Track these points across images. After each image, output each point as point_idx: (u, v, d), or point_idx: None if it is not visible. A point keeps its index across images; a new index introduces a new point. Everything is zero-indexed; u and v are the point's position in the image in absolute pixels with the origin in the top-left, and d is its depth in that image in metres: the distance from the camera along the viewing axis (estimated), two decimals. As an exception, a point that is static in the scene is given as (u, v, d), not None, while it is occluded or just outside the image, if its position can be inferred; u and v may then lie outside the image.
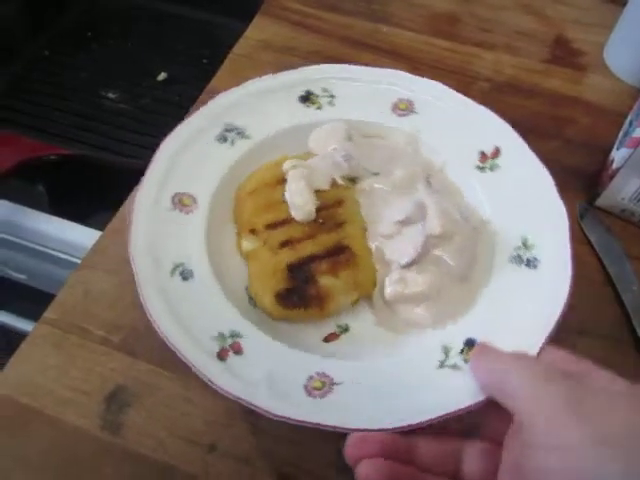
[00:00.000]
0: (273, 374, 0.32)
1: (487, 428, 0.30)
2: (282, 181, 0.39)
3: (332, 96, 0.45)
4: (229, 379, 0.31)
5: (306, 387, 0.32)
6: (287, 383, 0.32)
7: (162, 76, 0.68)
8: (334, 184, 0.40)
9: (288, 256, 0.36)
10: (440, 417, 0.30)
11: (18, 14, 0.71)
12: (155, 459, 0.33)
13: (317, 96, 0.45)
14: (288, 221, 0.38)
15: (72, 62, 0.70)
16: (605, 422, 0.23)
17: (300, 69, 0.46)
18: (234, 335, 0.34)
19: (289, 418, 0.30)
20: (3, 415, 0.35)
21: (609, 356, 0.37)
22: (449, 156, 0.42)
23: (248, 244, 0.38)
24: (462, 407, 0.30)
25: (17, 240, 0.57)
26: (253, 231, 0.38)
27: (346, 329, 0.37)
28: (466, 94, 0.44)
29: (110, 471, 0.33)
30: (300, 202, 0.37)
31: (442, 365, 0.33)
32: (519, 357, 0.28)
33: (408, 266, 0.37)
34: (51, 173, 0.61)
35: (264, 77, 0.45)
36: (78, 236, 0.55)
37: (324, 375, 0.33)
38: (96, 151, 0.61)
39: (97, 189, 0.59)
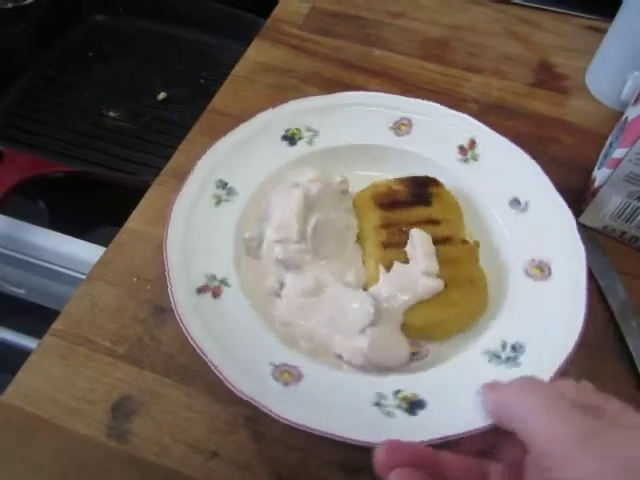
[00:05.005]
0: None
1: (505, 450, 0.30)
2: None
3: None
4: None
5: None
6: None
7: (162, 95, 0.70)
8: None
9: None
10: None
11: (22, 34, 0.72)
12: (160, 465, 0.35)
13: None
14: None
15: (74, 82, 0.71)
16: (628, 455, 0.23)
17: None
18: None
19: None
20: (13, 424, 0.36)
21: (595, 365, 0.39)
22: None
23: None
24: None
25: (16, 255, 0.58)
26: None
27: None
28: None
29: (117, 476, 0.34)
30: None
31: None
32: (528, 383, 0.28)
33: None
34: (52, 190, 0.62)
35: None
36: (77, 251, 0.55)
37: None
38: (97, 168, 0.62)
39: (97, 206, 0.61)
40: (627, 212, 0.44)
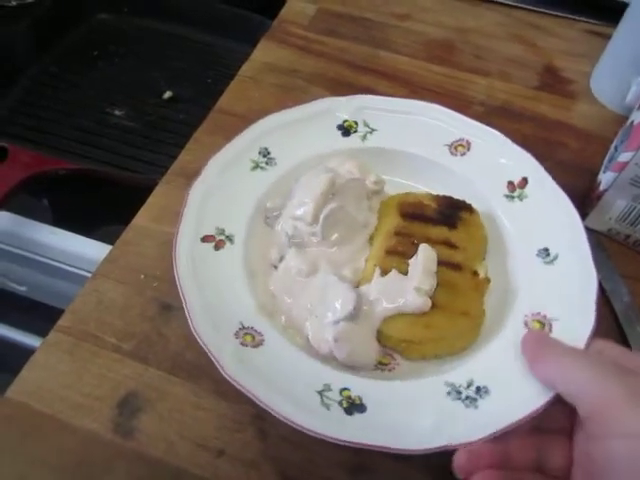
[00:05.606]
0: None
1: (554, 424, 0.32)
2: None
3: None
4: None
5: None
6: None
7: (167, 94, 0.70)
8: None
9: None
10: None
11: (26, 32, 0.72)
12: (166, 462, 0.35)
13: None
14: None
15: (79, 79, 0.71)
16: None
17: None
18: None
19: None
20: (18, 421, 0.36)
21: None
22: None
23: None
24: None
25: (19, 252, 0.58)
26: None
27: None
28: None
29: (123, 473, 0.34)
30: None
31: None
32: (578, 353, 0.31)
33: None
34: (56, 187, 0.62)
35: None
36: (81, 248, 0.55)
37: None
38: (102, 166, 0.62)
39: (101, 203, 0.61)
40: (632, 216, 0.44)
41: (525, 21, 0.65)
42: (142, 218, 0.46)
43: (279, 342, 0.36)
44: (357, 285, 0.40)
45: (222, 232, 0.41)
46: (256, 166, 0.44)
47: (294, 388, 0.34)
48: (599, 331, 0.41)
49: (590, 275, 0.38)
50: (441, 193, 0.44)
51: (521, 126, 0.54)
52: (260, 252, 0.41)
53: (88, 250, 0.55)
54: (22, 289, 0.65)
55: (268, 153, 0.45)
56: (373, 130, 0.47)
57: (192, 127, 0.53)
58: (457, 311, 0.38)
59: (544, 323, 0.37)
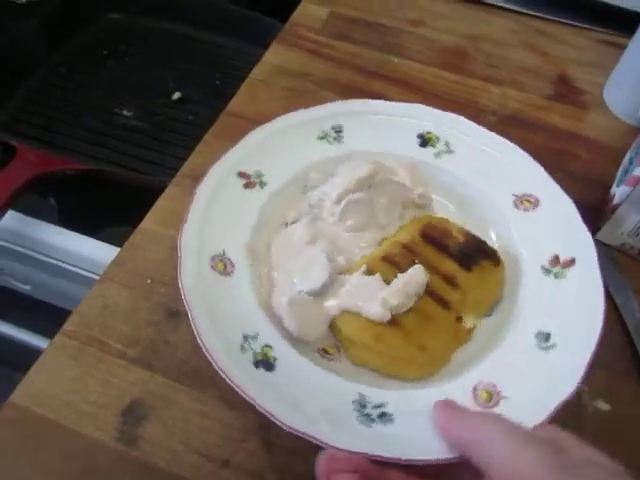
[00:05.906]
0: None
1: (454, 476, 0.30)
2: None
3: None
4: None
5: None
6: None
7: (176, 95, 0.69)
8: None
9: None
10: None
11: (36, 30, 0.72)
12: (170, 472, 0.34)
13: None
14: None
15: (88, 79, 0.71)
16: None
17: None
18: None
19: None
20: (21, 426, 0.36)
21: (610, 384, 0.39)
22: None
23: None
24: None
25: (24, 251, 0.58)
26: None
27: None
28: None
29: (127, 482, 0.34)
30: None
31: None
32: (494, 418, 0.29)
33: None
34: (63, 187, 0.62)
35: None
36: (86, 249, 0.55)
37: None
38: (110, 166, 0.62)
39: (108, 204, 0.60)
40: (646, 230, 0.44)
41: (538, 29, 0.64)
42: (150, 222, 0.45)
43: (243, 281, 0.37)
44: (342, 273, 0.39)
45: (259, 176, 0.42)
46: (323, 137, 0.45)
47: (224, 321, 0.35)
48: (611, 346, 0.40)
49: (572, 381, 0.34)
50: (480, 235, 0.41)
51: (533, 136, 0.53)
52: (281, 209, 0.42)
53: (93, 251, 0.54)
54: (26, 288, 0.65)
55: (340, 131, 0.45)
56: (451, 152, 0.45)
57: (201, 129, 0.52)
58: (416, 341, 0.36)
59: (492, 396, 0.34)
